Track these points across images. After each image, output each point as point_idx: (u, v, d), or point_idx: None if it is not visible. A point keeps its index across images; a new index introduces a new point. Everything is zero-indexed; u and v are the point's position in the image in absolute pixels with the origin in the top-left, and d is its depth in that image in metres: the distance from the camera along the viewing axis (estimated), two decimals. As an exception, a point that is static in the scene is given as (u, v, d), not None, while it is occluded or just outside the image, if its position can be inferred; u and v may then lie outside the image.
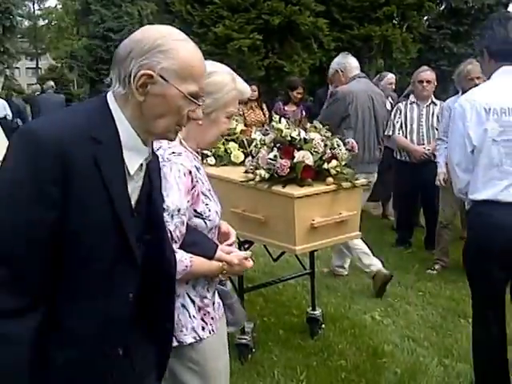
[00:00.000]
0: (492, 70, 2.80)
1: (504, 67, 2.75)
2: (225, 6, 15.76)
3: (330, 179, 3.21)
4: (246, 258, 2.05)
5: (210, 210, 1.98)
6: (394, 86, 7.04)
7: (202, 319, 1.99)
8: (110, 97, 1.42)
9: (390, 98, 6.72)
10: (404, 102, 5.94)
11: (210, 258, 1.96)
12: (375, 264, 4.71)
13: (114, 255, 1.40)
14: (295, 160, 3.10)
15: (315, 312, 4.05)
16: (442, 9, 19.74)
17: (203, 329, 1.98)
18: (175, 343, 1.87)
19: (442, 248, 5.45)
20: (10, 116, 13.55)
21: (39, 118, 1.81)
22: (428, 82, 5.73)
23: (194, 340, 1.96)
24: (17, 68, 30.17)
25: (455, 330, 3.99)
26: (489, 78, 2.84)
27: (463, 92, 5.13)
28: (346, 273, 5.24)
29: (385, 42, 16.67)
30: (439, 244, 5.49)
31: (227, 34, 15.73)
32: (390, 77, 6.99)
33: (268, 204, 3.22)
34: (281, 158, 3.13)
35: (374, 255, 4.76)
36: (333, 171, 3.20)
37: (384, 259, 5.08)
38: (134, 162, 1.43)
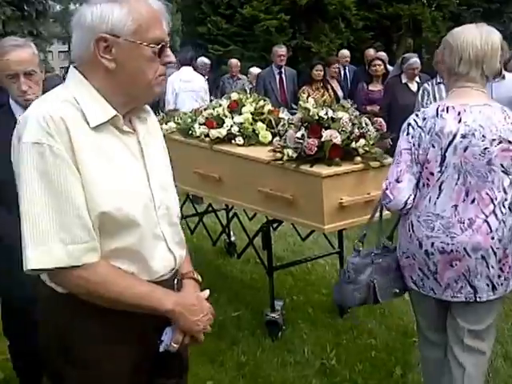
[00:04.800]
0: None
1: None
2: (252, -13, 15.68)
3: (358, 158, 3.17)
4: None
5: None
6: (416, 72, 6.75)
7: None
8: None
9: (417, 78, 6.64)
10: (430, 83, 5.81)
11: None
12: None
13: None
14: (323, 139, 3.09)
15: (344, 291, 4.07)
16: (472, -14, 19.37)
17: None
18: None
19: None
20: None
21: None
22: None
23: None
24: (50, 52, 30.52)
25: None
26: None
27: None
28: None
29: (414, 21, 16.44)
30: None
31: (254, 15, 15.68)
32: (413, 62, 6.70)
33: (296, 183, 3.22)
34: (308, 137, 3.11)
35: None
36: (361, 150, 3.17)
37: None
38: None
